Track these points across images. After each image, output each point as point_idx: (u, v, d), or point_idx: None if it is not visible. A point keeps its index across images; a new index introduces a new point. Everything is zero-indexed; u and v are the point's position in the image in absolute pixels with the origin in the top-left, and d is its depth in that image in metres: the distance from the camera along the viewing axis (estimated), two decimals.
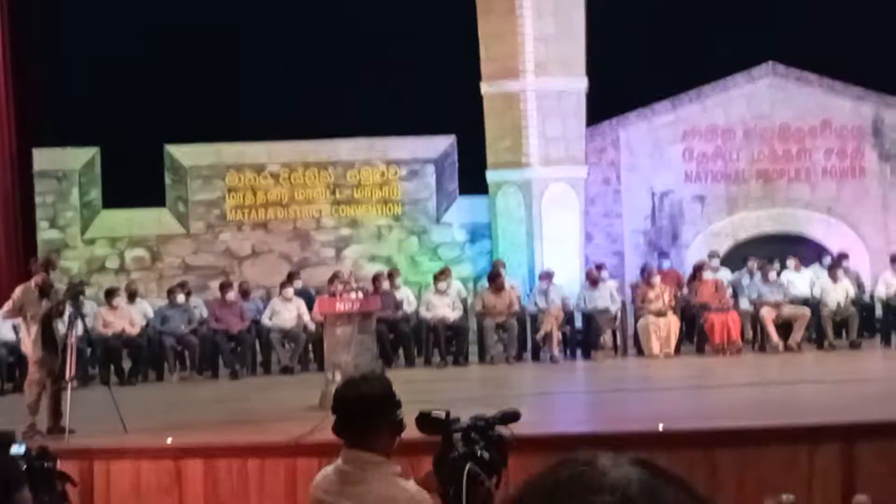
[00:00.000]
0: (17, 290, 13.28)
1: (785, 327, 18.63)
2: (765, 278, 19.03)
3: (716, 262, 19.76)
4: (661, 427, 12.02)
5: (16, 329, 15.97)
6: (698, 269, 19.31)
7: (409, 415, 4.83)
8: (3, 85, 20.07)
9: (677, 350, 18.61)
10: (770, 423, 12.18)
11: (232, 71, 21.09)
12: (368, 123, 20.66)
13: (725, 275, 19.71)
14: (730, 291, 19.19)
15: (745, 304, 19.03)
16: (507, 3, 19.90)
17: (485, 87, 20.35)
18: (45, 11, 20.20)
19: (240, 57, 21.17)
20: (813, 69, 21.26)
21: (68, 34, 20.33)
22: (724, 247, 20.79)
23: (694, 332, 19.04)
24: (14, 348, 16.25)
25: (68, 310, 13.24)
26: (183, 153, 20.61)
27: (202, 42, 21.18)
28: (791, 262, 19.59)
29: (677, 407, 14.03)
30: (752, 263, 19.48)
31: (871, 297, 19.47)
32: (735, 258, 20.42)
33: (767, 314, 18.59)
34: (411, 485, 4.94)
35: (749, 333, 18.92)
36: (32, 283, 13.25)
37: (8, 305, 13.44)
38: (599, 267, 19.46)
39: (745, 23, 21.33)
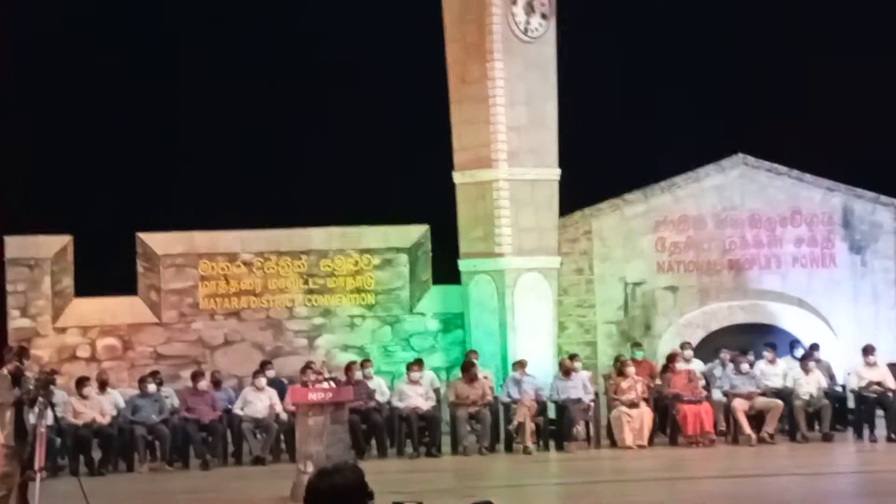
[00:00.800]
0: None
1: (758, 418, 18.62)
2: (737, 369, 19.05)
3: (689, 352, 19.79)
4: None
5: None
6: (671, 360, 19.33)
7: None
8: None
9: (650, 441, 18.57)
10: None
11: (204, 159, 21.15)
12: (341, 213, 20.72)
13: (698, 365, 19.73)
14: (702, 382, 19.19)
15: (717, 395, 19.02)
16: (480, 92, 20.06)
17: (457, 177, 20.45)
18: (18, 100, 20.26)
19: (212, 145, 21.24)
20: (782, 162, 21.46)
21: (41, 123, 20.38)
22: (696, 337, 20.82)
23: (667, 423, 18.99)
24: None
25: (38, 399, 13.13)
26: (155, 241, 20.58)
27: (175, 131, 21.28)
28: (767, 355, 19.60)
29: (650, 499, 13.98)
30: (725, 354, 19.52)
31: (843, 388, 19.49)
32: (707, 348, 20.44)
33: (740, 405, 18.58)
34: None
35: (722, 425, 18.91)
36: (5, 370, 13.15)
37: None
38: (573, 357, 19.45)
39: (716, 115, 21.58)
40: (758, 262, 21.33)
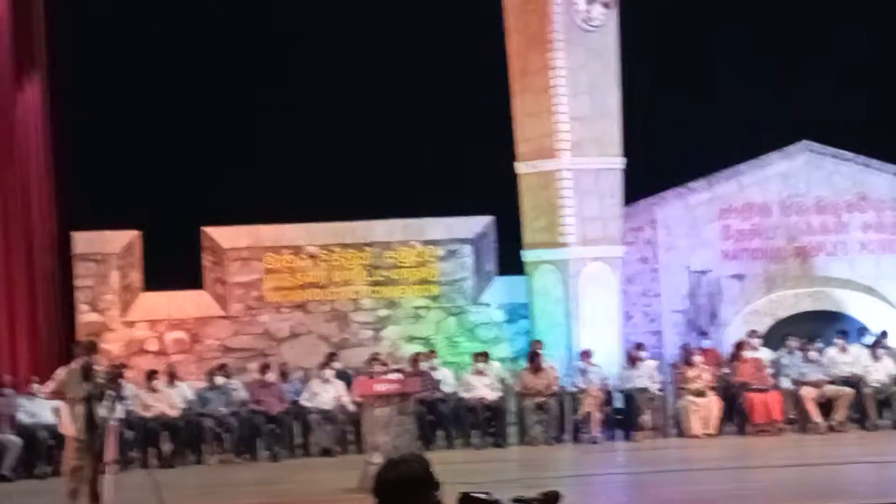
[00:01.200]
0: (61, 371, 13.37)
1: (827, 406, 18.48)
2: (805, 357, 18.92)
3: (756, 340, 19.65)
4: None
5: (55, 411, 16.03)
6: (738, 348, 19.21)
7: (449, 496, 4.80)
8: (42, 169, 20.32)
9: (718, 430, 18.48)
10: None
11: (268, 153, 21.25)
12: (405, 204, 20.76)
13: (766, 353, 19.59)
14: (770, 370, 19.07)
15: (786, 383, 18.91)
16: (542, 82, 20.02)
17: (521, 167, 20.42)
18: (83, 98, 20.45)
19: (276, 139, 21.34)
20: (847, 148, 21.26)
21: (106, 119, 20.55)
22: (763, 325, 20.68)
23: (734, 412, 18.89)
24: (55, 431, 16.28)
25: (108, 393, 13.29)
26: (221, 235, 20.73)
27: (239, 126, 21.38)
28: (838, 342, 19.42)
29: (719, 488, 13.92)
30: (793, 342, 19.38)
31: None
32: (774, 336, 20.30)
33: (808, 393, 18.46)
34: None
35: (791, 413, 18.79)
36: (75, 365, 13.32)
37: (50, 385, 13.51)
38: (639, 346, 19.39)
39: (780, 101, 21.39)
40: (824, 249, 21.15)
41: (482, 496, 4.91)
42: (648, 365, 19.12)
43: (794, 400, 18.75)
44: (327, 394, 18.40)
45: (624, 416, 18.78)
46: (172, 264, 20.21)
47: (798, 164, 21.28)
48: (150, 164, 21.26)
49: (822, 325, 20.40)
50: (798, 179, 21.23)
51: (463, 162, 20.93)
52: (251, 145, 21.35)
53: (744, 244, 21.12)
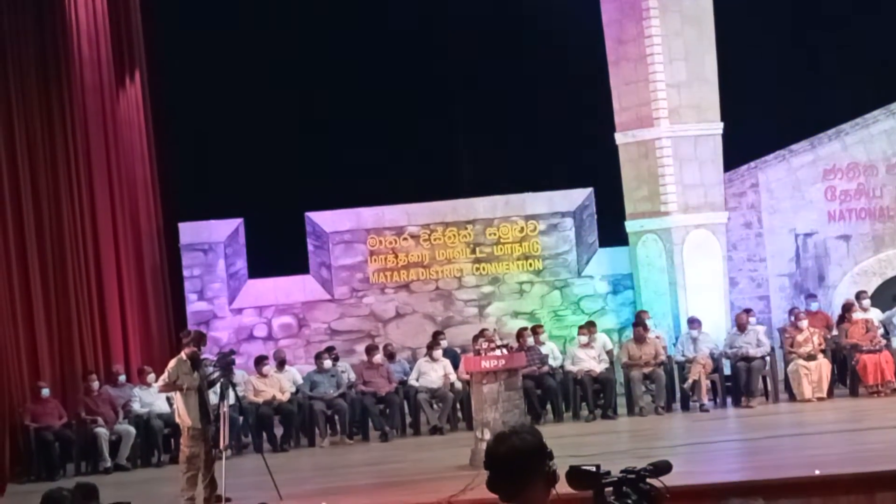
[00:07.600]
0: (171, 364, 13.58)
1: None
2: None
3: (866, 301, 19.38)
4: (817, 472, 11.81)
5: (169, 400, 16.29)
6: (847, 310, 18.98)
7: (559, 470, 4.82)
8: (146, 164, 20.62)
9: (830, 393, 18.29)
10: None
11: (366, 136, 21.36)
12: (504, 180, 20.76)
13: (875, 314, 19.32)
14: (881, 331, 18.82)
15: None
16: (638, 51, 19.88)
17: (619, 137, 20.32)
18: (183, 92, 20.68)
19: (373, 121, 21.43)
20: None
21: (206, 111, 20.78)
22: (872, 285, 20.39)
23: (846, 374, 18.68)
24: (169, 420, 16.56)
25: (219, 380, 13.49)
26: (323, 219, 20.90)
27: (337, 109, 21.51)
28: None
29: (833, 451, 13.78)
30: None
31: None
32: (884, 296, 20.02)
33: None
34: None
35: None
36: (184, 355, 13.52)
37: (163, 379, 13.73)
38: (747, 312, 19.23)
39: (881, 58, 21.04)
40: None
41: (591, 469, 4.92)
42: (757, 330, 18.96)
43: None
44: (435, 373, 18.49)
45: (733, 382, 18.64)
46: (277, 250, 20.43)
47: None
48: (251, 152, 21.47)
49: None
50: None
51: (561, 135, 20.87)
52: (349, 128, 21.47)
53: (849, 204, 20.83)
